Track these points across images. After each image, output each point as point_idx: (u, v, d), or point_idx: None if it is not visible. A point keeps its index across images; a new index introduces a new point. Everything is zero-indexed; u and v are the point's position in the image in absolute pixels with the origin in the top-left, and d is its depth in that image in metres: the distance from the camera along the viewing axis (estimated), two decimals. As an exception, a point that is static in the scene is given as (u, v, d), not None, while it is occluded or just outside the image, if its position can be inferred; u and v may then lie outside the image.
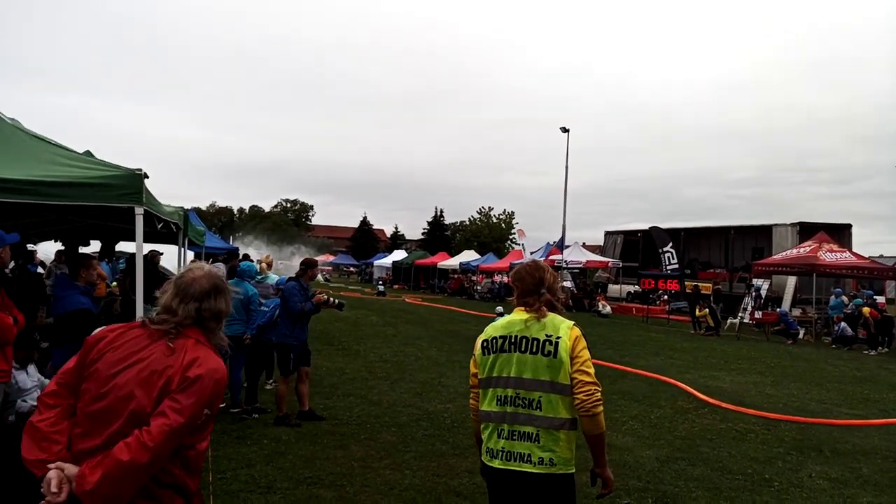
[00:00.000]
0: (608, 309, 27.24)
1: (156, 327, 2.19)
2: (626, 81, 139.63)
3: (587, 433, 2.66)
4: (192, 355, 2.13)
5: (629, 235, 35.96)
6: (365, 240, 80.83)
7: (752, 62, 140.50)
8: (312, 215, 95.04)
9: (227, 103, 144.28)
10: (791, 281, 24.38)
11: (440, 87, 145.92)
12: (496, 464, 2.71)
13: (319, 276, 51.22)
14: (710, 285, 24.99)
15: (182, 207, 8.47)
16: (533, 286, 2.85)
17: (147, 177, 6.17)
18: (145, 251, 8.25)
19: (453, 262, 44.46)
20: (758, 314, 21.17)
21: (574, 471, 2.72)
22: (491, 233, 69.32)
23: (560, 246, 32.62)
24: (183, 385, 2.05)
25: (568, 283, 34.23)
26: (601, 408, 2.63)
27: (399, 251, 57.88)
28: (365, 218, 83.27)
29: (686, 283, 25.32)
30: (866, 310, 17.53)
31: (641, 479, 5.52)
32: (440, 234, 75.80)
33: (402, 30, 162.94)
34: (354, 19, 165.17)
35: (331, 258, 72.73)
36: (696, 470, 5.85)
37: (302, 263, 7.29)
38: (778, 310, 21.53)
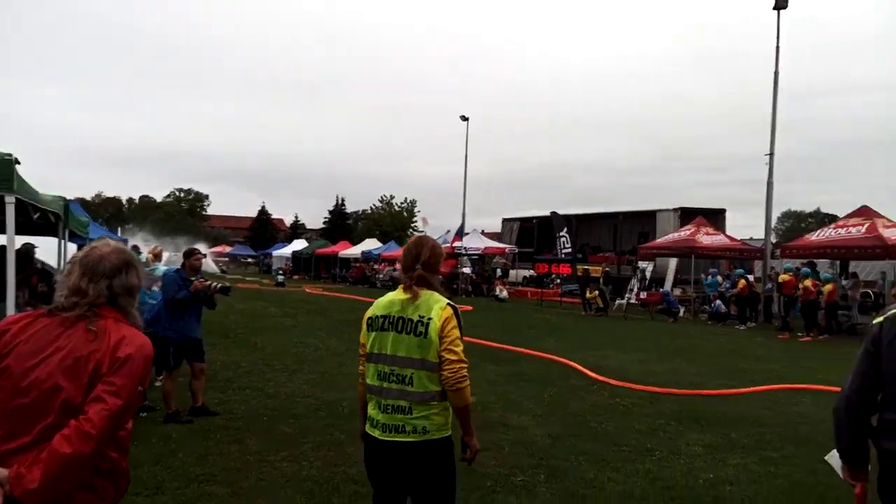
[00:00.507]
0: (505, 293, 27.95)
1: (68, 313, 2.08)
2: (522, 73, 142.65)
3: (454, 405, 2.87)
4: (118, 335, 2.06)
5: (525, 222, 36.95)
6: (263, 230, 78.51)
7: (640, 53, 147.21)
8: (208, 205, 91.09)
9: (116, 86, 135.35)
10: (672, 263, 25.94)
11: (341, 73, 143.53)
12: (376, 433, 2.91)
13: (215, 267, 49.46)
14: (600, 268, 26.15)
15: (62, 197, 7.96)
16: (411, 261, 3.00)
17: (18, 162, 5.74)
18: (18, 244, 7.71)
19: (355, 250, 44.11)
20: (643, 295, 22.44)
21: (449, 434, 2.90)
22: (393, 221, 69.20)
23: (460, 233, 33.10)
24: (115, 366, 1.99)
25: (467, 270, 34.84)
26: (466, 382, 2.82)
27: (299, 240, 56.69)
28: (263, 207, 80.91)
29: (578, 266, 26.32)
30: (742, 282, 18.96)
31: (535, 456, 5.75)
32: (342, 223, 74.81)
33: (301, 13, 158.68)
34: (252, 1, 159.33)
35: (228, 249, 70.20)
36: (586, 444, 6.16)
37: (184, 255, 7.07)
38: (661, 290, 22.89)
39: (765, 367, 11.13)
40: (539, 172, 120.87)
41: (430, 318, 2.84)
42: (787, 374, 10.38)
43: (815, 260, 18.91)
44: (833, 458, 2.77)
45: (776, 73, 21.44)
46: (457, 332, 2.85)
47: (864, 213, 18.66)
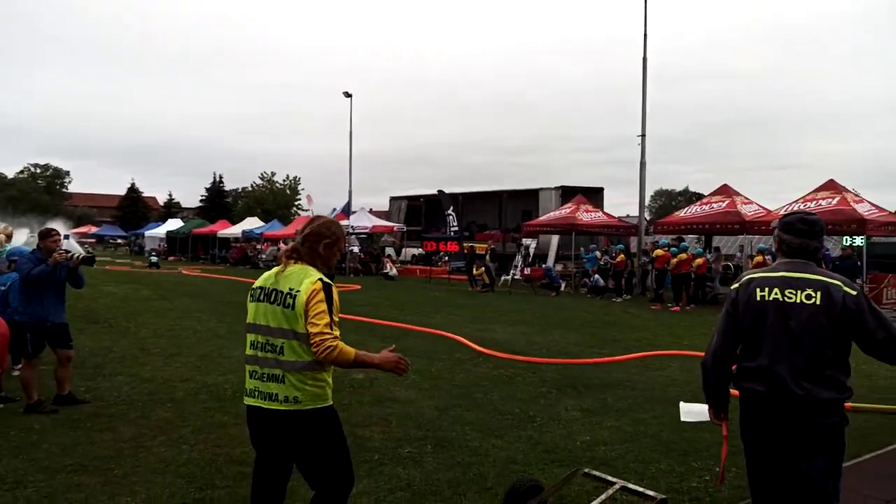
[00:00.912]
0: (395, 271, 28.02)
1: None
2: (411, 51, 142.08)
3: (336, 359, 2.84)
4: None
5: (413, 200, 37.07)
6: (134, 208, 73.94)
7: (523, 37, 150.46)
8: (69, 182, 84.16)
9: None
10: (554, 239, 26.97)
11: (216, 47, 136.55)
12: (249, 401, 3.02)
13: (79, 248, 46.03)
14: (486, 246, 26.75)
15: None
16: (302, 238, 3.10)
17: None
18: None
19: (235, 230, 42.47)
20: (527, 271, 23.21)
21: (326, 404, 2.97)
22: (275, 199, 67.24)
23: (346, 211, 32.70)
24: None
25: (355, 248, 34.53)
26: (334, 352, 2.81)
27: (174, 220, 53.83)
28: (133, 185, 76.07)
29: (465, 244, 26.81)
30: (622, 256, 20.03)
31: (422, 427, 5.82)
32: (220, 202, 71.80)
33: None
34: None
35: (94, 229, 65.53)
36: (471, 414, 6.31)
37: (39, 235, 6.48)
38: (543, 266, 23.76)
39: (637, 336, 11.86)
40: (425, 151, 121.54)
41: (297, 291, 2.91)
42: (657, 342, 11.11)
43: (683, 235, 20.27)
44: (687, 412, 3.08)
45: (644, 59, 22.60)
46: (323, 307, 2.87)
47: (725, 191, 20.21)
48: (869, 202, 17.97)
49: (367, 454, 5.07)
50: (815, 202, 17.21)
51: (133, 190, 75.81)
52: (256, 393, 2.98)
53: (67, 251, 6.34)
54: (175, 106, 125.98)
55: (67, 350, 6.46)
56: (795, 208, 17.48)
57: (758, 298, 2.90)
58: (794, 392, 2.80)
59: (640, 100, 22.53)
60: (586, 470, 4.19)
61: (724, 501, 4.24)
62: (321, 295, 2.89)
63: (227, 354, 9.21)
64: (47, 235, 6.37)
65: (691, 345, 10.68)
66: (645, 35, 22.41)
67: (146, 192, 77.98)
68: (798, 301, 2.84)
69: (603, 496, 3.72)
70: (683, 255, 17.58)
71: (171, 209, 73.49)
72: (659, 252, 18.46)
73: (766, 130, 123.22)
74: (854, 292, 2.79)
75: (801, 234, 2.98)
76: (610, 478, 4.00)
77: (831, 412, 2.82)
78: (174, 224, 50.04)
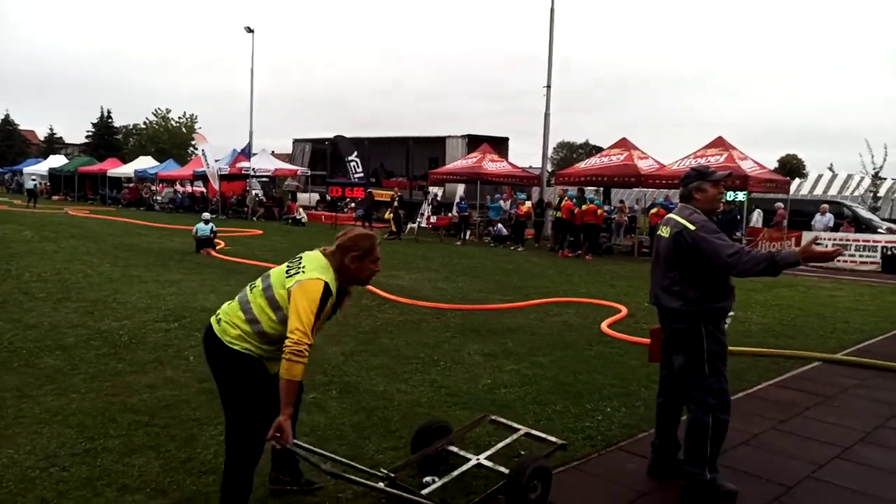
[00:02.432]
0: (305, 217, 27.47)
1: None
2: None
3: (281, 371, 2.83)
4: None
5: (317, 143, 36.07)
6: (10, 142, 67.98)
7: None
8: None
9: None
10: (460, 188, 27.14)
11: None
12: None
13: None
14: (392, 193, 26.59)
15: None
16: (336, 248, 3.15)
17: None
18: None
19: (127, 169, 40.10)
20: (433, 219, 23.32)
21: (249, 355, 3.05)
22: (171, 138, 63.64)
23: (247, 153, 31.48)
24: None
25: (257, 192, 33.45)
26: (299, 358, 2.82)
27: (57, 156, 49.98)
28: (8, 116, 69.69)
29: (372, 191, 26.52)
30: (527, 205, 20.46)
31: (327, 373, 5.83)
32: (109, 138, 67.21)
33: None
34: None
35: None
36: (377, 360, 6.38)
37: None
38: (450, 214, 23.95)
39: (537, 283, 12.27)
40: (327, 93, 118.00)
41: (304, 269, 3.02)
42: (556, 290, 11.54)
43: (583, 187, 20.90)
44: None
45: (552, 10, 22.74)
46: (307, 306, 2.90)
47: (623, 144, 20.92)
48: (752, 160, 19.16)
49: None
50: (704, 158, 18.16)
51: (7, 122, 69.53)
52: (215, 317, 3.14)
53: None
54: (55, 33, 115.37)
55: None
56: (687, 164, 18.51)
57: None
58: (654, 302, 3.80)
59: (547, 51, 22.75)
60: (492, 417, 4.35)
61: (614, 439, 4.54)
62: (316, 292, 2.91)
63: (121, 300, 8.80)
64: None
65: (587, 292, 11.18)
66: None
67: (22, 126, 71.82)
68: (662, 235, 3.74)
69: (507, 440, 3.90)
70: (589, 206, 18.16)
71: (54, 145, 68.20)
72: (568, 204, 18.83)
73: (661, 88, 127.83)
74: (693, 227, 3.52)
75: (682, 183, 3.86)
76: (514, 424, 4.18)
77: (678, 319, 3.63)
78: (57, 161, 46.52)
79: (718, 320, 3.63)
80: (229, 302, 3.18)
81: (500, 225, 21.15)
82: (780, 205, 20.05)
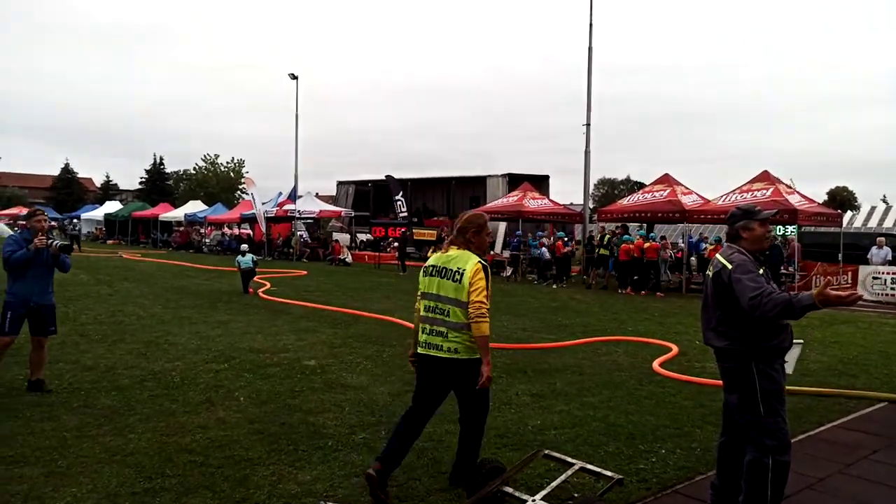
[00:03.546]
0: (350, 258, 27.79)
1: None
2: (354, 36, 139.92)
3: (474, 334, 3.86)
4: None
5: (360, 185, 36.73)
6: (69, 190, 71.01)
7: (467, 25, 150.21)
8: (-5, 162, 79.91)
9: None
10: (502, 226, 27.19)
11: (150, 23, 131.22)
12: (422, 350, 4.09)
13: (9, 230, 43.93)
14: (435, 232, 26.76)
15: None
16: (457, 231, 4.11)
17: None
18: None
19: (177, 213, 41.40)
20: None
21: (476, 356, 3.92)
22: (219, 182, 65.56)
23: (293, 196, 32.19)
24: None
25: (302, 233, 34.07)
26: (484, 319, 3.82)
27: (112, 202, 52.06)
28: (67, 164, 72.98)
29: (408, 230, 26.77)
30: (558, 244, 20.36)
31: (375, 414, 5.84)
32: (161, 184, 69.74)
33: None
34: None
35: (24, 211, 62.61)
36: (424, 400, 6.34)
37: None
38: (492, 252, 23.91)
39: (583, 321, 12.11)
40: (369, 136, 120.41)
41: (464, 270, 3.93)
42: (603, 328, 11.37)
43: (626, 223, 20.71)
44: (792, 354, 3.83)
45: (590, 49, 22.89)
46: (482, 283, 3.88)
47: (666, 180, 20.72)
48: (799, 193, 18.74)
49: (320, 440, 5.06)
50: (750, 193, 17.82)
51: (67, 170, 72.80)
52: (426, 343, 4.05)
53: (49, 237, 6.23)
54: (110, 84, 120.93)
55: (42, 337, 6.39)
56: (733, 199, 18.21)
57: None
58: (706, 341, 3.80)
59: (585, 90, 22.82)
60: (546, 451, 4.28)
61: (670, 482, 4.40)
62: (481, 274, 3.90)
63: (173, 341, 9.00)
64: (33, 215, 6.34)
65: (635, 330, 10.98)
66: (591, 25, 22.69)
67: (81, 174, 75.04)
68: (708, 274, 3.77)
69: (563, 476, 3.83)
70: (640, 242, 17.96)
71: (109, 191, 70.96)
72: (638, 242, 18.56)
73: (701, 122, 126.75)
74: (730, 266, 3.54)
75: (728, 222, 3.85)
76: (569, 458, 4.11)
77: (727, 358, 3.62)
78: (113, 206, 48.39)
79: (771, 359, 3.54)
80: (425, 336, 4.04)
81: (543, 249, 21.03)
82: (793, 237, 19.47)
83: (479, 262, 3.94)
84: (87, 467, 4.42)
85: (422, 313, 4.11)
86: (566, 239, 21.40)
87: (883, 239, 18.97)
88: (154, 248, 38.86)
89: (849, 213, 33.21)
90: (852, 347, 9.83)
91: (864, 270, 17.47)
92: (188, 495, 4.00)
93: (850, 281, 17.57)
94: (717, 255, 3.74)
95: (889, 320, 13.17)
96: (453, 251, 4.04)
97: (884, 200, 40.45)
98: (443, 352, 3.95)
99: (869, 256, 18.09)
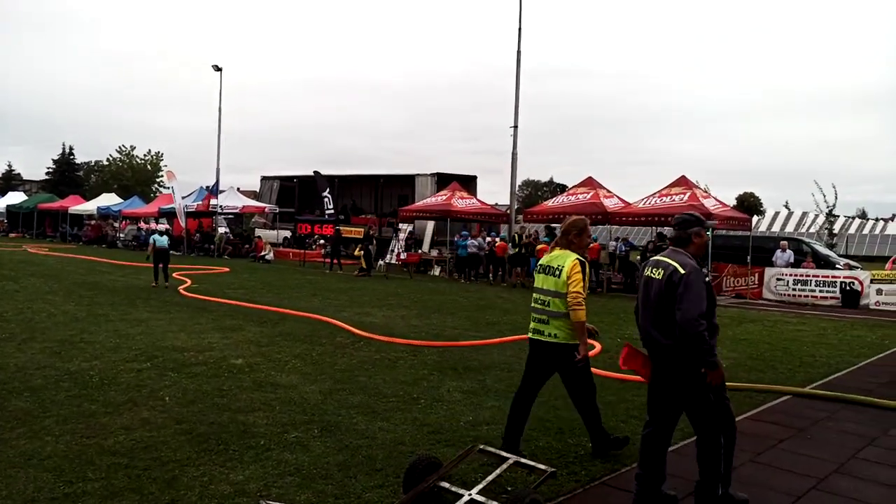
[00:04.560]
0: (272, 255, 27.23)
1: None
2: (285, 29, 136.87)
3: (572, 320, 4.56)
4: None
5: (286, 181, 36.03)
6: (-34, 178, 66.38)
7: (396, 26, 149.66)
8: None
9: None
10: (430, 225, 27.31)
11: (66, 8, 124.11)
12: (531, 335, 4.84)
13: None
14: (362, 230, 26.58)
15: None
16: (561, 233, 4.84)
17: None
18: None
19: (89, 206, 39.34)
20: (403, 255, 23.34)
21: (574, 342, 4.63)
22: (134, 175, 62.79)
23: (214, 191, 31.24)
24: None
25: (223, 229, 33.11)
26: (581, 307, 4.52)
27: (15, 193, 48.89)
28: (-36, 152, 68.19)
29: (340, 228, 26.48)
30: (500, 244, 20.63)
31: (307, 412, 5.77)
32: (71, 175, 66.13)
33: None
34: None
35: None
36: (356, 398, 6.33)
37: None
38: (420, 251, 24.00)
39: (511, 319, 12.33)
40: (294, 132, 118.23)
41: (562, 267, 4.64)
42: (529, 325, 11.58)
43: (550, 225, 21.20)
44: None
45: (518, 52, 23.28)
46: (579, 277, 4.54)
47: (589, 183, 21.32)
48: (714, 198, 19.71)
49: (252, 440, 4.97)
50: (669, 197, 18.60)
51: (-36, 158, 68.01)
52: (534, 331, 4.82)
53: None
54: (13, 68, 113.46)
55: None
56: (652, 202, 18.98)
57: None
58: (646, 340, 4.01)
59: (514, 92, 23.21)
60: (481, 446, 4.36)
61: (598, 474, 4.57)
62: (578, 268, 4.57)
63: (89, 339, 8.60)
64: None
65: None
66: (519, 29, 23.08)
67: (-21, 162, 70.22)
68: (654, 276, 3.93)
69: (498, 470, 3.91)
70: (596, 245, 18.44)
71: (12, 181, 66.72)
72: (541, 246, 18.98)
73: (622, 127, 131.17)
74: (683, 270, 3.73)
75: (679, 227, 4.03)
76: (503, 453, 4.20)
77: (674, 355, 3.84)
78: (16, 197, 45.47)
79: None
80: (534, 323, 4.84)
81: (470, 240, 21.31)
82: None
83: (578, 258, 4.62)
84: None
85: (532, 305, 4.87)
86: (497, 239, 21.73)
87: (786, 242, 20.21)
88: (63, 242, 36.85)
89: (755, 218, 35.18)
90: (759, 344, 10.45)
91: (769, 272, 18.56)
92: (113, 499, 3.85)
93: (756, 282, 18.63)
94: (665, 258, 3.91)
95: (791, 319, 14.05)
96: (557, 251, 4.78)
97: (786, 206, 43.03)
98: (544, 336, 4.70)
99: (774, 259, 19.23)
